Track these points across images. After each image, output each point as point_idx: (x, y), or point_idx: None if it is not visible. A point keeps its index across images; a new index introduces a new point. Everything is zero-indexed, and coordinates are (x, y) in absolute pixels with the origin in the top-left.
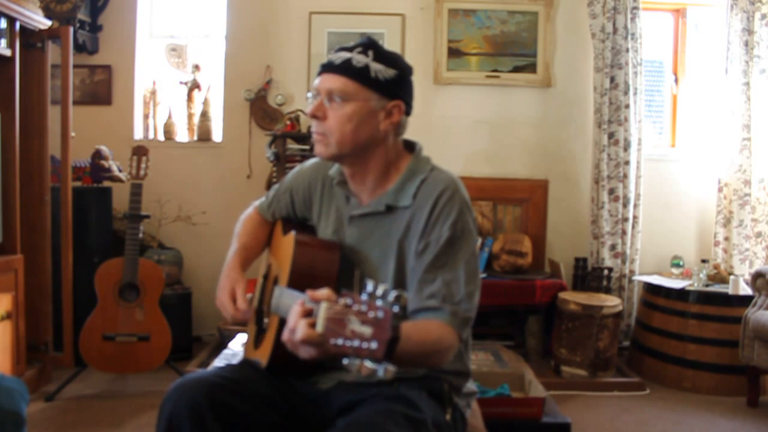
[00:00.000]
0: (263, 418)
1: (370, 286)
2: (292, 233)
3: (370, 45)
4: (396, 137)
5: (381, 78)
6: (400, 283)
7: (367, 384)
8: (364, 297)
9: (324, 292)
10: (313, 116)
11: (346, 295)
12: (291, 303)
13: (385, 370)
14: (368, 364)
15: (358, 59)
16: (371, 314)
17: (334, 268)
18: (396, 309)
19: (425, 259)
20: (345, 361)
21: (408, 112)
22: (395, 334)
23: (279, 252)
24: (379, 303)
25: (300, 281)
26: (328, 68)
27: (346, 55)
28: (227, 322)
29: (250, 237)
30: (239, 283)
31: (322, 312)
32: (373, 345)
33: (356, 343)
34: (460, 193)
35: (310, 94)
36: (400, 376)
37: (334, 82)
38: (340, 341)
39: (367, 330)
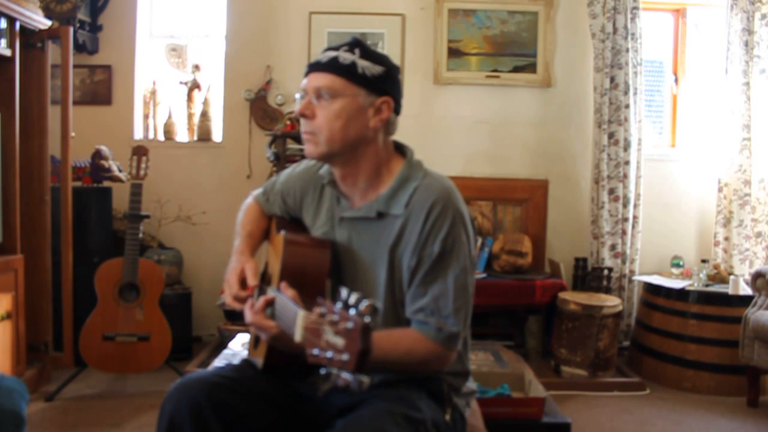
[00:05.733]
0: (264, 418)
1: (344, 293)
2: (282, 233)
3: (356, 44)
4: (386, 136)
5: (368, 74)
6: (392, 291)
7: None
8: (337, 306)
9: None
10: (302, 115)
11: (321, 303)
12: (284, 310)
13: (359, 383)
14: (344, 375)
15: (345, 57)
16: (342, 325)
17: (325, 265)
18: (367, 319)
19: (417, 274)
20: (323, 371)
21: (397, 111)
22: (366, 346)
23: (274, 249)
24: (351, 312)
25: (291, 281)
26: (315, 67)
27: (332, 53)
28: (227, 322)
29: (253, 225)
30: (249, 263)
31: (300, 321)
32: (345, 357)
33: (330, 354)
34: (453, 203)
35: (298, 95)
36: (400, 377)
37: (321, 79)
38: (316, 351)
39: (339, 341)
